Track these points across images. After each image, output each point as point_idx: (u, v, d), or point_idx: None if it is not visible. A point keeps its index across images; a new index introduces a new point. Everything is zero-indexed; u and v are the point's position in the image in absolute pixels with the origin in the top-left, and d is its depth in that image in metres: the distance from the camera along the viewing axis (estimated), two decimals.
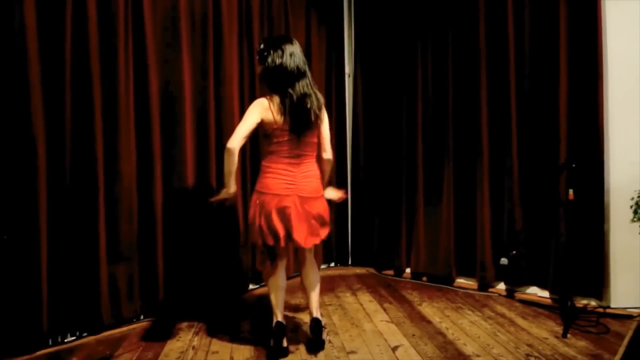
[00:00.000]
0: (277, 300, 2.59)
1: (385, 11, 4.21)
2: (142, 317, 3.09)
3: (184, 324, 3.04)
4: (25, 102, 2.54)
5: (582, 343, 2.66)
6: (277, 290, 2.60)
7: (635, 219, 2.79)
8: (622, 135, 3.10)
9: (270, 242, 2.47)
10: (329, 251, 4.41)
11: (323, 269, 4.32)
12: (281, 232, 2.45)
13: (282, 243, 2.47)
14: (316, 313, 2.65)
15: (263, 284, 3.79)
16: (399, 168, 4.12)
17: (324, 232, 2.61)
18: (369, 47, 4.36)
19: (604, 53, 3.11)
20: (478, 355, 2.52)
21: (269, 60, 2.44)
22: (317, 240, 2.58)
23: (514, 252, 3.45)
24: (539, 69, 3.37)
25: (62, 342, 2.74)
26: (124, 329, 2.95)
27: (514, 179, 3.47)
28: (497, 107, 3.56)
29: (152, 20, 3.08)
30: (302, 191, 2.49)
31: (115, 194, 2.91)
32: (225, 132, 3.46)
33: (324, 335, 2.75)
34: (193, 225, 3.29)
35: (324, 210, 2.59)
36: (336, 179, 4.27)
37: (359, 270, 4.33)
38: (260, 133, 2.53)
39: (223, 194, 2.55)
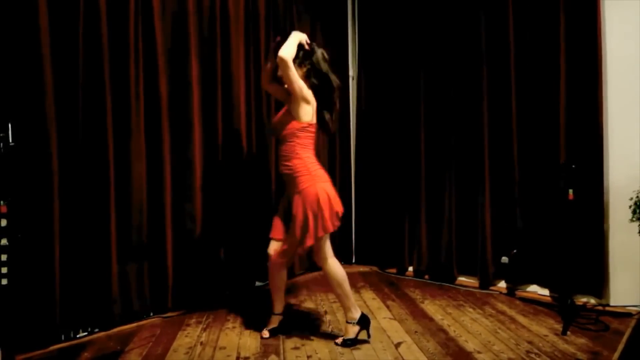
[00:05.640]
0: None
1: (387, 15, 4.25)
2: (151, 313, 3.14)
3: (193, 320, 3.10)
4: (39, 104, 2.60)
5: (581, 340, 2.70)
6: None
7: (634, 219, 2.82)
8: (621, 136, 3.13)
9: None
10: (334, 250, 4.43)
11: None
12: None
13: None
14: None
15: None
16: (401, 169, 4.16)
17: None
18: (372, 50, 4.39)
19: (604, 55, 3.14)
20: (479, 352, 2.57)
21: None
22: None
23: (515, 251, 3.49)
24: (539, 70, 3.40)
25: (74, 338, 2.79)
26: (134, 324, 3.00)
27: (514, 179, 3.51)
28: (498, 108, 3.60)
29: (162, 25, 3.14)
30: None
31: (126, 193, 2.97)
32: (233, 132, 3.52)
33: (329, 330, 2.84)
34: (201, 223, 3.35)
35: None
36: (340, 180, 4.33)
37: (362, 269, 4.36)
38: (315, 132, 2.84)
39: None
